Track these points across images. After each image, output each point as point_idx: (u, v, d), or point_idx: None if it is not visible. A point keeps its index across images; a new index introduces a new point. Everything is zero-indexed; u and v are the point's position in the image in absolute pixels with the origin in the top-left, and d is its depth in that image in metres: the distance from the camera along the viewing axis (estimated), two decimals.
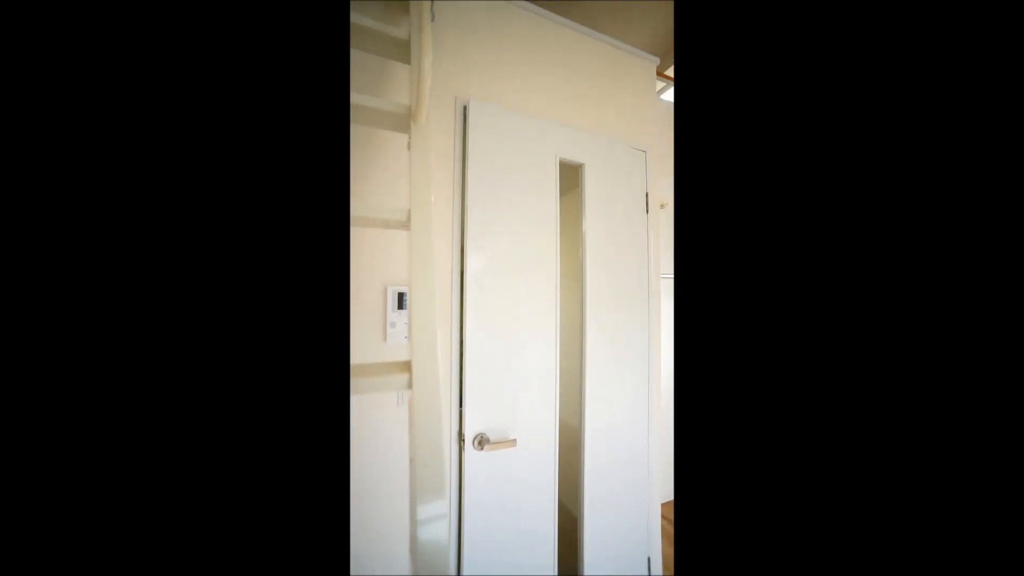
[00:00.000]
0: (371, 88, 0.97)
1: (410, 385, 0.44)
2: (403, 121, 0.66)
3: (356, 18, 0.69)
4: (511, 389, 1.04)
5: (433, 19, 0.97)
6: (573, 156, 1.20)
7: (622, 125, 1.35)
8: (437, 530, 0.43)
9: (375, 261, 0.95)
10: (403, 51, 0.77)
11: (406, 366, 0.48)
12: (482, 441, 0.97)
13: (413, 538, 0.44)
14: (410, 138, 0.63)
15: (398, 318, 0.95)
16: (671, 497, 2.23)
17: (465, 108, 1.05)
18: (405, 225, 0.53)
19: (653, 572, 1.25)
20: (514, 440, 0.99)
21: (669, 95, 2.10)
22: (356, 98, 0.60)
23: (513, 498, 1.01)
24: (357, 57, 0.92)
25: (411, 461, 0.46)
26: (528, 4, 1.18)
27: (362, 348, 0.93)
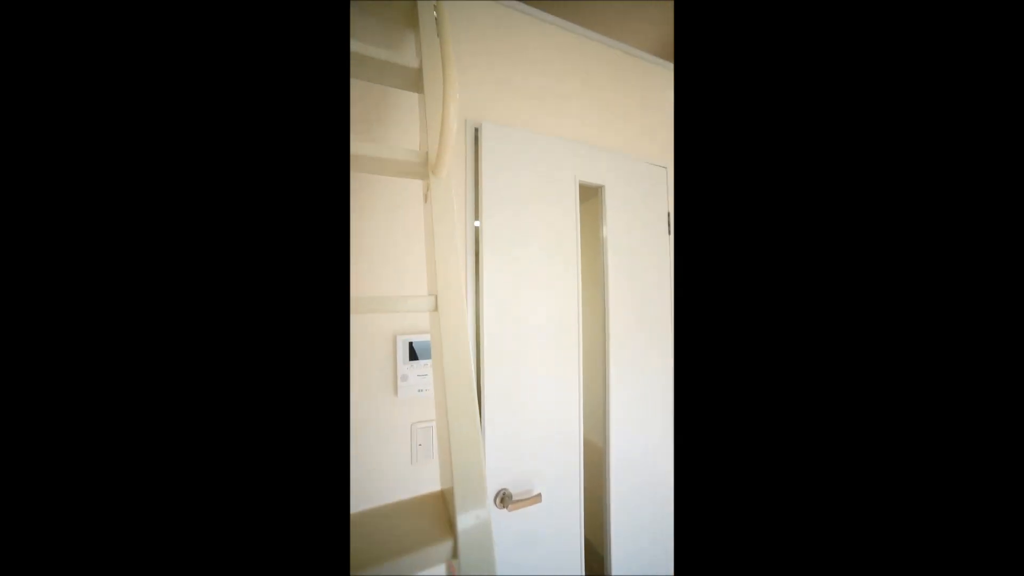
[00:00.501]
0: (370, 119, 0.87)
1: (455, 554, 0.35)
2: (417, 168, 0.56)
3: (354, 46, 0.59)
4: (533, 433, 0.96)
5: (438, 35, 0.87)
6: (592, 177, 1.11)
7: (642, 140, 1.26)
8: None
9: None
10: (412, 80, 0.67)
11: (444, 527, 0.38)
12: (505, 498, 0.90)
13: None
14: (428, 189, 0.54)
15: (410, 370, 0.86)
16: None
17: (477, 130, 0.96)
18: (431, 308, 0.44)
19: None
20: (539, 495, 0.91)
21: None
22: (358, 147, 0.51)
23: (539, 554, 0.94)
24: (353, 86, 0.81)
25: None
26: (538, 11, 1.07)
27: (371, 404, 0.84)
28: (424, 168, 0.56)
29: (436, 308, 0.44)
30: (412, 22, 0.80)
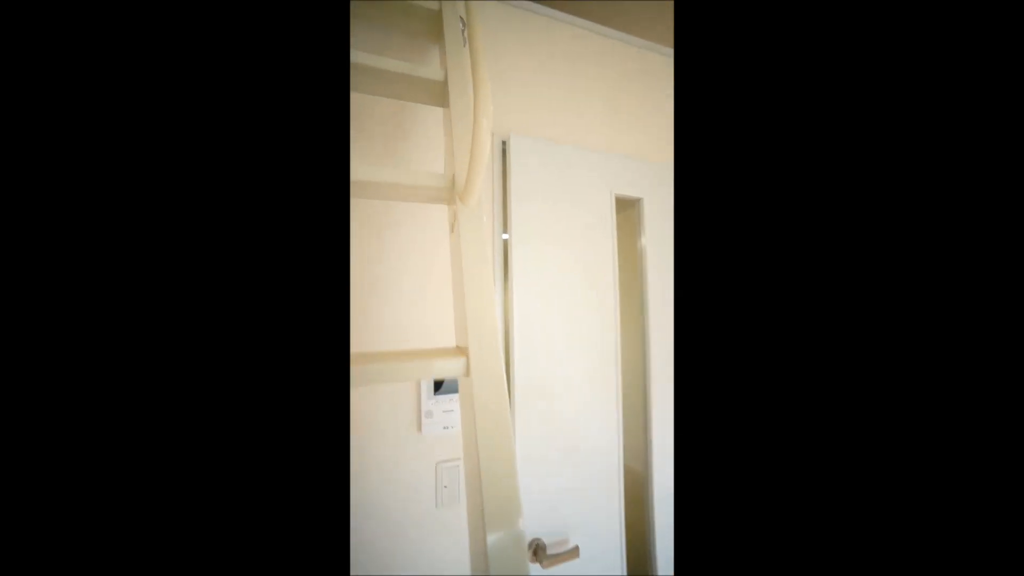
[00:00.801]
0: (391, 135, 0.82)
1: None
2: (442, 193, 0.50)
3: (368, 59, 0.54)
4: (567, 470, 0.87)
5: (465, 44, 0.81)
6: (630, 190, 1.02)
7: None
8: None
9: (406, 336, 0.80)
10: (436, 93, 0.61)
11: None
12: (538, 550, 0.81)
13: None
14: (455, 219, 0.47)
15: (435, 405, 0.79)
16: None
17: (504, 144, 0.89)
18: (460, 373, 0.37)
19: None
20: (576, 548, 0.82)
21: None
22: (374, 172, 0.45)
23: None
24: (364, 98, 0.76)
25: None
26: (566, 15, 1.00)
27: (392, 442, 0.77)
28: (450, 193, 0.49)
29: (468, 372, 0.36)
30: (437, 31, 0.74)
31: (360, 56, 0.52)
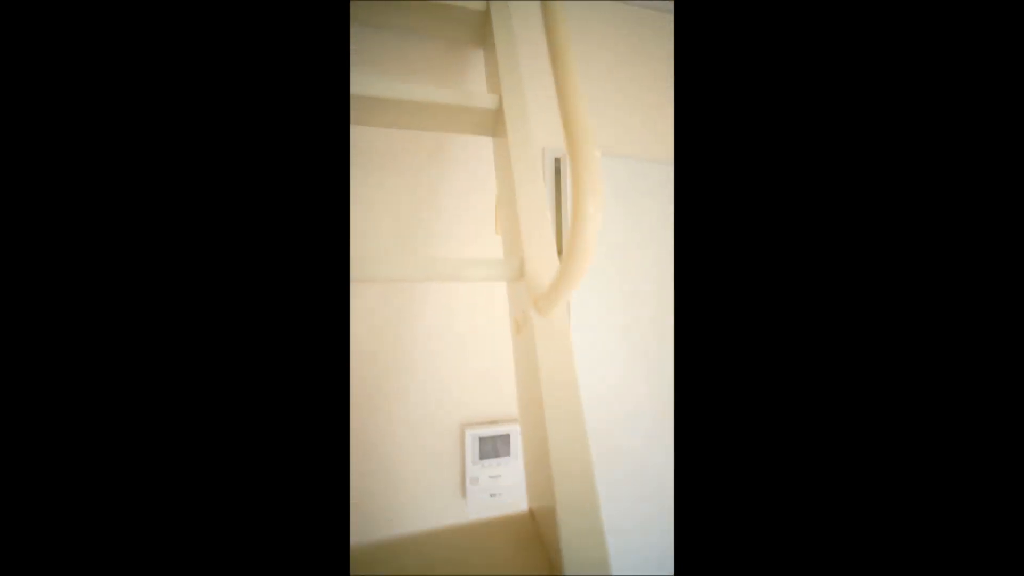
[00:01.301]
0: (423, 165, 0.69)
1: None
2: (502, 275, 0.38)
3: (396, 91, 0.41)
4: (618, 511, 0.78)
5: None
6: None
7: None
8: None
9: (449, 396, 0.71)
10: (484, 122, 0.48)
11: None
12: None
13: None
14: (524, 320, 0.35)
15: (481, 471, 0.70)
16: None
17: (558, 161, 0.75)
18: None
19: None
20: None
21: None
22: (388, 266, 0.33)
23: None
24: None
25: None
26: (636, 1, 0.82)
27: (431, 506, 0.70)
28: (514, 274, 0.37)
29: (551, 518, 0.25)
30: (483, 34, 0.60)
31: (382, 88, 0.39)
